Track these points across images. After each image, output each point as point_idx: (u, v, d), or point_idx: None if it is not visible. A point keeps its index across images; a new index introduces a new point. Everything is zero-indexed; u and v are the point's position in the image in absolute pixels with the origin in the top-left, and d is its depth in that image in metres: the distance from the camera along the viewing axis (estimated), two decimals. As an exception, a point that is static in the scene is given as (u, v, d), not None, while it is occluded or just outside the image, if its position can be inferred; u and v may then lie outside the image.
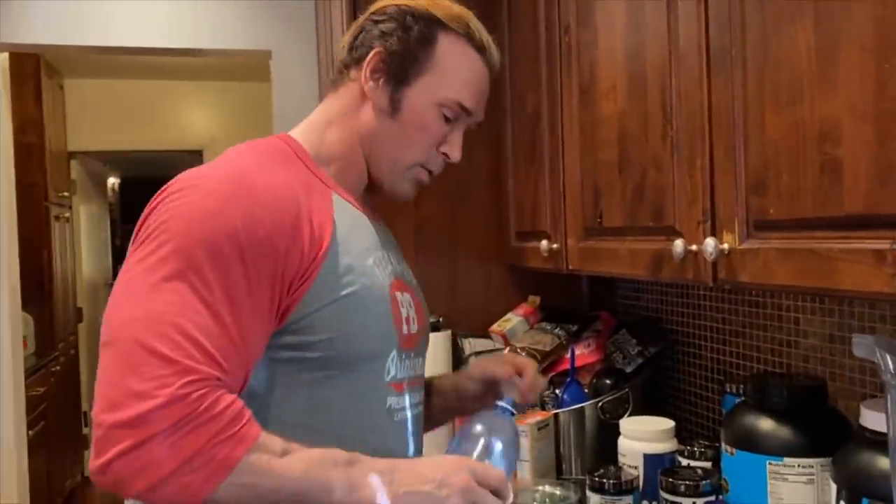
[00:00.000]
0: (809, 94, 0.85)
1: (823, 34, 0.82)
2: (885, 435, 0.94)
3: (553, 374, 1.75)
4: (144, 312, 0.78)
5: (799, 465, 1.10)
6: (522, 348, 1.76)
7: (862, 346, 0.78)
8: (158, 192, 0.91)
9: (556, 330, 1.81)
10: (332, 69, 1.94)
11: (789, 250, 0.89)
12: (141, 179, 8.05)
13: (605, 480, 1.33)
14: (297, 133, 1.05)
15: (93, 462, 0.75)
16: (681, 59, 1.11)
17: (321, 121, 1.06)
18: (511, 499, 0.87)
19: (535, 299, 1.94)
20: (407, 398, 1.02)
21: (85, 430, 4.92)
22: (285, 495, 0.78)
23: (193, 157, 5.54)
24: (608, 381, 1.65)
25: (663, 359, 1.75)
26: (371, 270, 0.96)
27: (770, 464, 1.11)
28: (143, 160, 7.26)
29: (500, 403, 1.07)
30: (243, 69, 4.75)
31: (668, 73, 1.14)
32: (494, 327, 1.91)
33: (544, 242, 1.60)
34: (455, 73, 1.03)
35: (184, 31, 2.80)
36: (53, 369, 4.21)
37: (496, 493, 0.85)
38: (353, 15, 1.90)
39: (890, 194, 0.75)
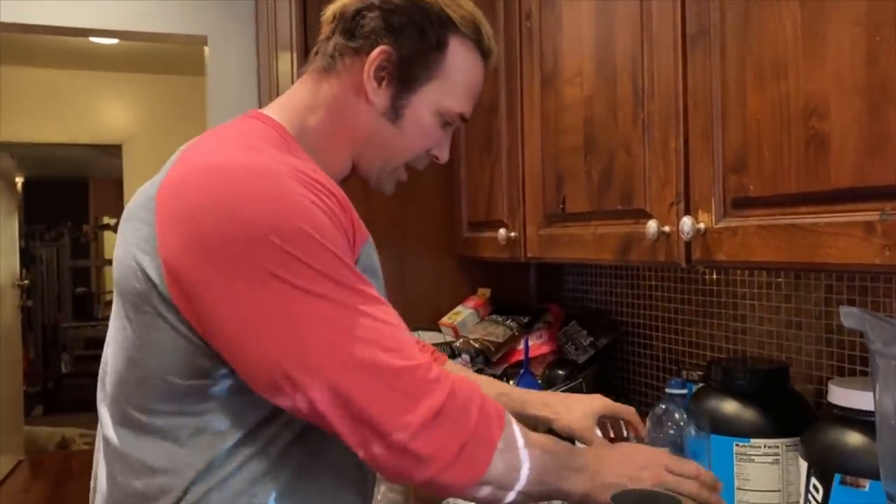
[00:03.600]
0: (794, 70, 0.86)
1: (811, 10, 0.83)
2: (854, 412, 0.96)
3: (506, 365, 1.74)
4: (338, 338, 0.77)
5: (765, 446, 1.11)
6: (476, 339, 1.74)
7: (850, 316, 0.79)
8: (173, 187, 0.82)
9: (508, 322, 1.80)
10: (271, 45, 1.88)
11: (771, 226, 0.90)
12: (47, 179, 7.75)
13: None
14: (274, 114, 0.96)
15: (381, 452, 0.78)
16: (654, 42, 1.11)
17: (302, 105, 0.97)
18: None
19: (484, 292, 1.93)
20: None
21: (-10, 439, 4.62)
22: (546, 462, 0.86)
23: (111, 153, 5.32)
24: (561, 372, 1.65)
25: (613, 349, 1.76)
26: (377, 268, 0.93)
27: (737, 445, 1.12)
28: (53, 159, 6.95)
29: None
30: (167, 61, 4.58)
31: (640, 55, 1.14)
32: (445, 320, 1.89)
33: (502, 231, 1.58)
34: (461, 82, 0.98)
35: (114, 12, 2.66)
36: (-45, 374, 3.93)
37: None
38: (303, 3, 1.84)
39: (879, 166, 0.76)
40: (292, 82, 1.94)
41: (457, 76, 0.97)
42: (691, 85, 1.03)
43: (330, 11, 0.98)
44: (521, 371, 1.65)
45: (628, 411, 1.22)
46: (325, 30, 0.98)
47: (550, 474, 0.87)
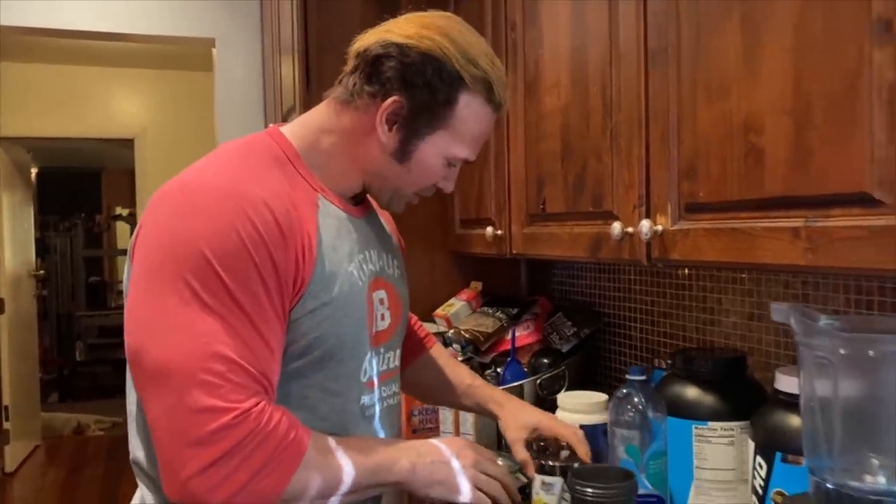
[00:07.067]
0: (736, 89, 0.96)
1: (750, 36, 0.93)
2: (796, 397, 1.06)
3: (495, 354, 1.85)
4: (188, 349, 0.85)
5: (721, 429, 1.20)
6: (466, 330, 1.85)
7: (779, 311, 0.89)
8: (156, 198, 0.95)
9: (497, 314, 1.90)
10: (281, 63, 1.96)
11: (717, 230, 1.00)
12: (61, 170, 7.87)
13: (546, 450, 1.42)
14: (289, 131, 1.05)
15: (168, 482, 0.85)
16: (621, 57, 1.20)
17: (319, 126, 1.05)
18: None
19: (476, 285, 2.03)
20: (376, 393, 1.07)
21: (6, 425, 4.76)
22: (347, 474, 0.93)
23: (124, 146, 5.44)
24: (545, 360, 1.75)
25: (596, 339, 1.86)
26: (351, 276, 1.00)
27: (696, 428, 1.22)
28: (66, 150, 7.06)
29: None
30: (178, 57, 4.69)
31: (609, 69, 1.24)
32: (438, 311, 1.99)
33: (489, 229, 1.68)
34: (468, 132, 1.03)
35: (125, 15, 2.77)
36: (-26, 361, 4.06)
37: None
38: (304, 8, 1.94)
39: (804, 178, 0.86)
40: (294, 84, 2.05)
41: (464, 127, 1.03)
42: (652, 97, 1.13)
43: (355, 46, 1.03)
44: (509, 360, 1.75)
45: (569, 434, 1.26)
46: (350, 63, 1.04)
47: (368, 473, 0.96)
